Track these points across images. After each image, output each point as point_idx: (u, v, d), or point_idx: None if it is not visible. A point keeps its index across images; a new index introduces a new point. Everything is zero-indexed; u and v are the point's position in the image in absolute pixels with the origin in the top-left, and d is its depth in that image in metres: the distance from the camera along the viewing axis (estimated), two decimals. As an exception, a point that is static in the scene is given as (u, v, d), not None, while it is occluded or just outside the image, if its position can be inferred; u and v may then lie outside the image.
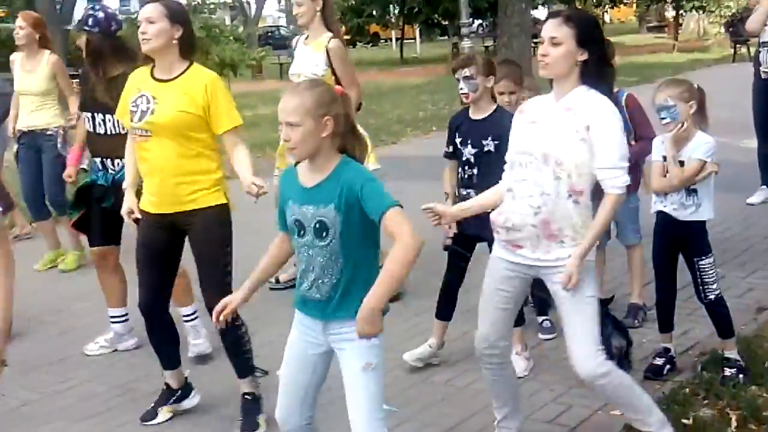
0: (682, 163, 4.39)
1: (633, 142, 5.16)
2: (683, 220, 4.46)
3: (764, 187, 8.08)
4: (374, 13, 34.81)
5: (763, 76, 7.80)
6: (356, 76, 6.17)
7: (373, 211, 2.99)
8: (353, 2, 34.04)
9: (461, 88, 4.67)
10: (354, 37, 39.82)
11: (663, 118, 4.40)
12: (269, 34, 46.37)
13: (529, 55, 17.79)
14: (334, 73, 5.97)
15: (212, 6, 21.42)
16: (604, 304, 4.77)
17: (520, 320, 4.73)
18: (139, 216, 4.41)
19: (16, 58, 7.32)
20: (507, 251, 3.66)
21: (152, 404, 4.54)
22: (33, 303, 6.30)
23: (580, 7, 36.77)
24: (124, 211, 4.50)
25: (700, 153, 4.37)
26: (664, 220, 4.54)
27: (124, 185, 4.57)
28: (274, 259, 3.40)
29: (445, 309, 4.91)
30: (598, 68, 3.52)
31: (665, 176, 4.45)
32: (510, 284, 3.70)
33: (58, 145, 7.23)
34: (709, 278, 4.50)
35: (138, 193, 4.47)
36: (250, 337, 4.42)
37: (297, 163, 3.21)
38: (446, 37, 32.84)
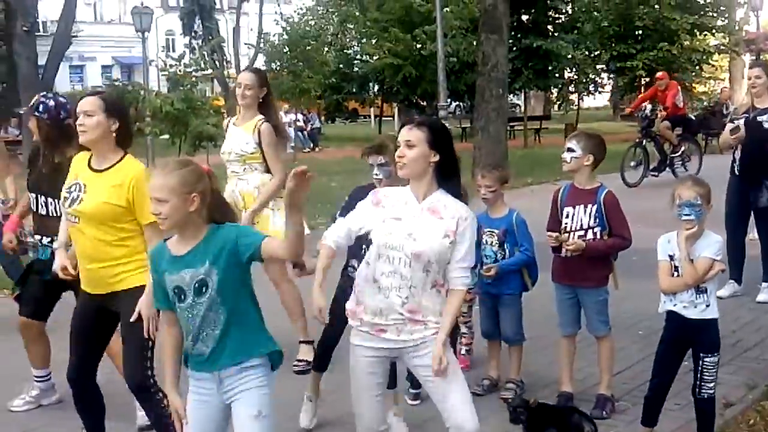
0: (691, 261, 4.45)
1: (605, 237, 5.27)
2: (695, 318, 4.51)
3: (732, 281, 8.20)
4: (353, 89, 35.22)
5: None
6: (280, 159, 6.43)
7: (250, 245, 3.38)
8: (334, 80, 34.43)
9: (376, 174, 4.91)
10: (333, 113, 40.25)
11: (687, 215, 4.43)
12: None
13: (504, 139, 18.08)
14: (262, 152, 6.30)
15: (194, 79, 21.65)
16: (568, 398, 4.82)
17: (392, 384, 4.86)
18: (73, 272, 4.52)
19: None
20: (369, 338, 3.91)
21: None
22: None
23: (556, 94, 37.50)
24: (56, 267, 4.59)
25: (711, 252, 4.44)
26: (675, 319, 4.58)
27: (55, 245, 4.78)
28: (176, 342, 3.61)
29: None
30: (448, 169, 3.92)
31: (672, 276, 4.52)
32: (376, 370, 3.96)
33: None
34: (709, 376, 4.55)
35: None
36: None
37: (166, 239, 3.54)
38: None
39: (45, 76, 24.86)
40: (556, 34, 29.70)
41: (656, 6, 30.78)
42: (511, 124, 28.29)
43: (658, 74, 17.88)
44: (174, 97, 18.37)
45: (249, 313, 3.50)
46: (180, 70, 21.12)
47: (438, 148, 3.87)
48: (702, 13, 32.30)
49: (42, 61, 25.28)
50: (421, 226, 3.84)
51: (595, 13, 31.53)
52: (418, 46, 28.35)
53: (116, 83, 28.59)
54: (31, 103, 5.37)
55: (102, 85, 43.13)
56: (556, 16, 30.97)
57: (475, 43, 22.66)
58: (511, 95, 32.07)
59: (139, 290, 4.29)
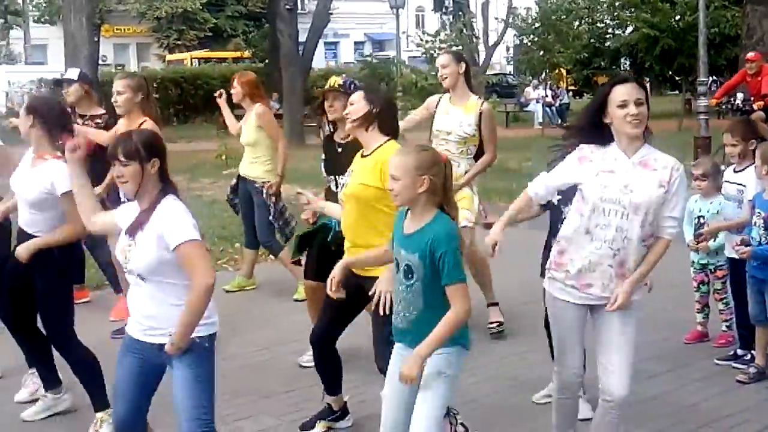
0: None
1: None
2: None
3: None
4: (602, 64, 34.41)
5: None
6: (496, 141, 6.52)
7: (443, 277, 3.61)
8: (585, 55, 33.76)
9: None
10: (581, 89, 39.53)
11: None
12: (496, 83, 46.57)
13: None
14: (480, 133, 6.37)
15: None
16: None
17: None
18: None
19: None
20: (571, 292, 4.09)
21: (312, 417, 5.05)
22: (270, 333, 6.85)
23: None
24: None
25: None
26: None
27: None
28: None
29: None
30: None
31: None
32: (581, 319, 4.14)
33: (263, 197, 7.59)
34: None
35: None
36: None
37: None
38: (677, 92, 31.91)
39: (305, 52, 25.93)
40: (829, 3, 27.60)
41: None
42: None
43: (750, 55, 14.51)
44: (428, 72, 18.74)
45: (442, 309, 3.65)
46: (435, 46, 21.48)
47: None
48: None
49: (302, 38, 26.42)
50: (635, 178, 3.93)
51: None
52: (677, 17, 27.20)
53: (369, 58, 29.40)
54: (329, 84, 5.68)
55: (354, 61, 44.59)
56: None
57: (738, 14, 21.51)
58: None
59: None
